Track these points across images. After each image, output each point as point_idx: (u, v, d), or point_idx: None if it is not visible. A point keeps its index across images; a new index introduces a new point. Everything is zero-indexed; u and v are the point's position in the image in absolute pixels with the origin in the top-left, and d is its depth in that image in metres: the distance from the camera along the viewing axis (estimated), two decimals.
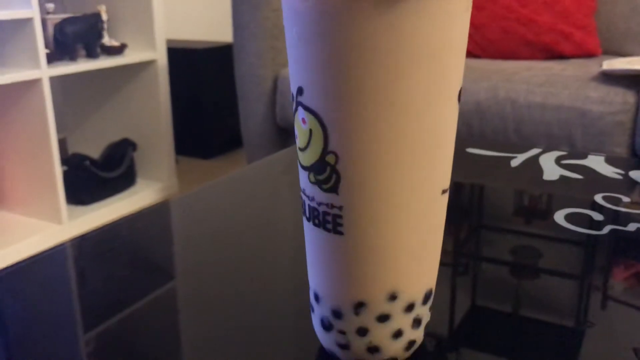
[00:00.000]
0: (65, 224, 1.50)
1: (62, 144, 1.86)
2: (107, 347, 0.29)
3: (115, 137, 1.80)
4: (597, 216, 0.43)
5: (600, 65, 1.14)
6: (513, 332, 0.30)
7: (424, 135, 0.22)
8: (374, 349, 0.25)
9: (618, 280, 0.35)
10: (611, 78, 1.07)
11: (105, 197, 1.66)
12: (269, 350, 0.28)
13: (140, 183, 1.80)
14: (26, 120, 1.46)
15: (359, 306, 0.24)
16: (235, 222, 0.44)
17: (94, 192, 1.63)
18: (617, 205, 0.45)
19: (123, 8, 1.74)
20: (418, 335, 0.25)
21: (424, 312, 0.25)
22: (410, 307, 0.24)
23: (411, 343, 0.25)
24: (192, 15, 2.39)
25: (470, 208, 0.48)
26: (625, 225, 0.41)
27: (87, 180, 1.61)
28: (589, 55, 1.40)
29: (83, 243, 0.41)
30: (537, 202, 0.49)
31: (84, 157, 1.62)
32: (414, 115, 0.22)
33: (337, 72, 0.21)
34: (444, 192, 0.24)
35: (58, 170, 1.47)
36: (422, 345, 0.27)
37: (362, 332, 0.24)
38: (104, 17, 1.65)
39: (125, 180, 1.73)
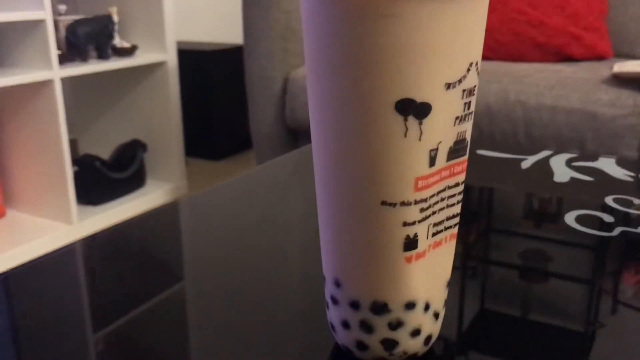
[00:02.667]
0: (76, 224, 1.51)
1: (73, 144, 1.88)
2: (117, 346, 0.29)
3: (126, 138, 1.81)
4: (608, 218, 0.43)
5: (611, 68, 1.14)
6: (522, 335, 0.29)
7: (346, 133, 0.22)
8: (331, 325, 0.27)
9: (629, 284, 0.35)
10: (622, 81, 1.07)
11: (115, 197, 1.67)
12: (282, 348, 0.28)
13: (150, 184, 1.81)
14: (38, 121, 1.47)
15: (324, 279, 0.26)
16: (245, 222, 0.44)
17: (104, 192, 1.64)
18: (628, 207, 0.45)
19: (134, 10, 1.75)
20: (368, 340, 0.25)
21: (376, 322, 0.25)
22: (354, 305, 0.25)
23: (359, 343, 0.25)
24: (202, 17, 2.40)
25: (480, 209, 0.48)
26: (636, 227, 0.41)
27: (97, 180, 1.62)
28: (600, 58, 1.39)
29: (93, 243, 0.41)
30: (548, 203, 0.49)
31: (94, 158, 1.63)
32: (337, 113, 0.22)
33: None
34: (384, 203, 0.23)
35: (69, 170, 1.48)
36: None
37: (327, 304, 0.27)
38: (115, 18, 1.66)
39: (135, 181, 1.74)
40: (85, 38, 1.55)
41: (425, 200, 0.23)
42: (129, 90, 1.81)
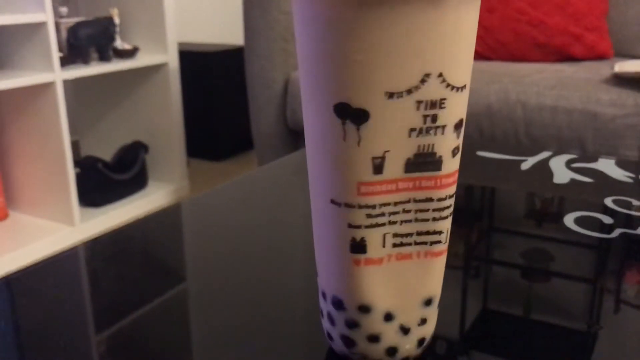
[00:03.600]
0: (78, 225, 1.51)
1: (75, 146, 1.88)
2: (120, 348, 0.29)
3: (128, 139, 1.82)
4: (607, 220, 0.43)
5: (612, 68, 1.14)
6: (524, 335, 0.30)
7: (306, 130, 0.24)
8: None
9: (629, 284, 0.35)
10: (623, 80, 1.07)
11: (118, 199, 1.67)
12: (285, 348, 0.28)
13: (152, 185, 1.81)
14: (40, 123, 1.47)
15: None
16: (246, 224, 0.44)
17: (106, 194, 1.64)
18: (627, 208, 0.45)
19: (135, 12, 1.75)
20: (333, 332, 0.26)
21: (337, 317, 0.26)
22: (323, 295, 0.26)
23: (328, 333, 0.27)
24: (203, 18, 2.40)
25: (480, 211, 0.48)
26: (635, 229, 0.41)
27: (99, 182, 1.62)
28: (601, 57, 1.39)
29: (95, 245, 0.42)
30: (547, 205, 0.49)
31: (96, 160, 1.63)
32: (303, 111, 0.24)
33: None
34: (333, 202, 0.23)
35: (71, 172, 1.48)
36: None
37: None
38: (117, 20, 1.66)
39: (137, 183, 1.74)
40: (87, 40, 1.55)
41: (372, 207, 0.23)
42: (131, 91, 1.81)
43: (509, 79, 1.13)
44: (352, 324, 0.25)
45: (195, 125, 2.10)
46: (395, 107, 0.22)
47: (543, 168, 0.55)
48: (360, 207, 0.23)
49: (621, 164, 0.56)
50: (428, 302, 0.26)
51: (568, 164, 0.56)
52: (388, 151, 0.22)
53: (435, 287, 0.26)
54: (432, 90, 0.22)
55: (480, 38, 1.42)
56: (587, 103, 1.05)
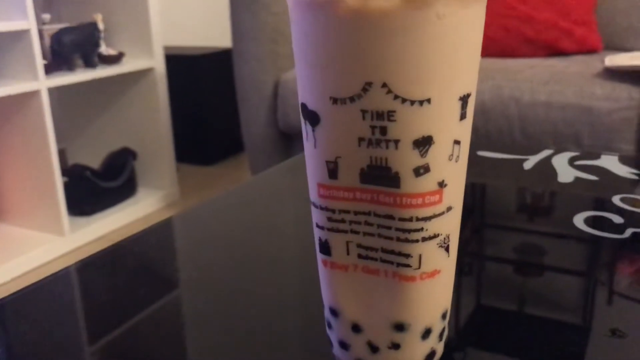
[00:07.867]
0: (68, 235, 1.49)
1: (62, 154, 1.85)
2: None
3: (115, 146, 1.79)
4: (618, 219, 0.42)
5: (603, 61, 1.13)
6: (524, 331, 0.28)
7: None
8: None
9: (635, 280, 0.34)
10: (616, 74, 1.06)
11: (107, 207, 1.65)
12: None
13: (141, 192, 1.79)
14: (25, 132, 1.45)
15: None
16: (243, 235, 0.43)
17: (96, 202, 1.62)
18: (635, 206, 0.44)
19: (120, 16, 1.72)
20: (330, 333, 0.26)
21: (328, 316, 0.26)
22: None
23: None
24: (189, 21, 2.38)
25: (484, 212, 0.47)
26: None
27: (88, 190, 1.60)
28: (591, 51, 1.39)
29: (87, 265, 0.40)
30: (554, 205, 0.48)
31: (84, 168, 1.61)
32: None
33: None
34: (312, 204, 0.24)
35: (59, 181, 1.45)
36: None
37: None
38: (101, 26, 1.64)
39: (126, 190, 1.72)
40: (71, 47, 1.53)
41: (332, 210, 0.23)
42: (117, 97, 1.79)
43: (502, 75, 1.12)
44: (329, 325, 0.26)
45: (183, 130, 2.08)
46: (342, 114, 0.21)
47: (546, 167, 0.54)
48: (322, 208, 0.23)
49: (624, 160, 0.55)
50: (399, 328, 0.24)
51: (571, 162, 0.55)
52: (340, 157, 0.22)
53: (408, 315, 0.24)
54: (377, 100, 0.21)
55: None
56: (581, 98, 1.04)
